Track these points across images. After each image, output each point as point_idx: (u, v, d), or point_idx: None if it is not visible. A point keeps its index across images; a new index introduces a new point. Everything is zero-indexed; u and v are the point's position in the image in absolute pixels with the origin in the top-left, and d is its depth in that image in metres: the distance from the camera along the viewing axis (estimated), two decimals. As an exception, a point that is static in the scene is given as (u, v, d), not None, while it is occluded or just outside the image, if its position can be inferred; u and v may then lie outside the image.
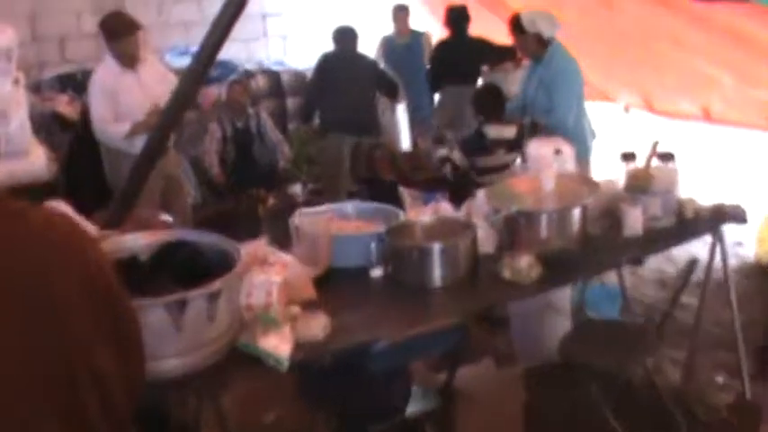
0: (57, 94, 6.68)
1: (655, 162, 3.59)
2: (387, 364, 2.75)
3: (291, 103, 7.86)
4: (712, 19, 5.08)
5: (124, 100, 4.92)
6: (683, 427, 3.43)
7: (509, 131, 4.78)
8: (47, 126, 6.07)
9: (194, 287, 2.23)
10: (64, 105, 6.41)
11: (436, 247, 2.97)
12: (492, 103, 4.96)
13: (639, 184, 3.49)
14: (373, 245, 3.04)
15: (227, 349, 2.39)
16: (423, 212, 3.37)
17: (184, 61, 6.59)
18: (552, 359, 3.64)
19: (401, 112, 7.92)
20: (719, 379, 3.80)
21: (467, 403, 3.47)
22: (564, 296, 3.93)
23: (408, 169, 5.28)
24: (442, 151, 5.16)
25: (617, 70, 6.71)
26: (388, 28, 7.72)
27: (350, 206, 3.52)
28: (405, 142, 7.92)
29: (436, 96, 7.33)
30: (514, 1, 6.18)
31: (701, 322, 3.91)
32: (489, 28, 6.85)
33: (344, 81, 6.35)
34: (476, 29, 6.92)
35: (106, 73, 4.98)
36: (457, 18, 6.85)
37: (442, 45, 7.05)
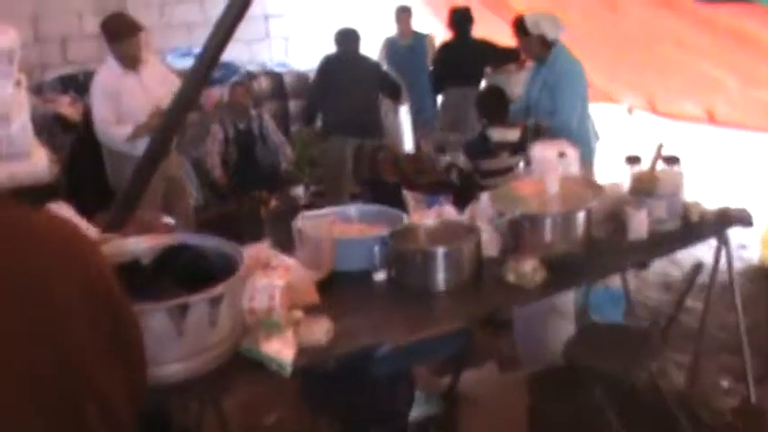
0: (58, 96, 6.67)
1: (660, 165, 3.57)
2: (390, 369, 2.74)
3: (294, 104, 7.86)
4: (716, 21, 5.06)
5: (126, 101, 4.91)
6: (687, 430, 3.41)
7: (513, 134, 4.77)
8: (48, 127, 6.05)
9: (197, 291, 2.22)
10: (66, 107, 6.40)
11: (440, 251, 2.95)
12: (495, 106, 4.95)
13: (644, 188, 3.47)
14: (377, 248, 3.02)
15: (230, 354, 2.37)
16: (426, 216, 3.36)
17: (187, 62, 6.59)
18: (556, 363, 3.63)
19: (404, 114, 7.90)
20: (724, 383, 3.79)
21: (470, 407, 3.45)
22: (568, 300, 3.91)
23: (411, 171, 5.26)
24: (446, 158, 5.15)
25: (621, 72, 6.69)
26: (391, 29, 7.71)
27: (353, 209, 3.51)
28: (408, 144, 7.91)
29: (439, 98, 7.31)
30: (518, 3, 6.17)
31: (705, 326, 3.89)
32: (493, 30, 6.83)
33: (347, 83, 6.34)
34: (479, 30, 6.91)
35: (108, 74, 4.97)
36: (460, 20, 6.84)
37: (446, 47, 7.04)
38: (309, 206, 5.94)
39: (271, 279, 2.55)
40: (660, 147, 3.58)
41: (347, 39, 6.49)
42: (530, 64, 5.59)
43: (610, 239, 3.35)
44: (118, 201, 3.56)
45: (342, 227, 3.26)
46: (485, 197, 3.42)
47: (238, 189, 6.24)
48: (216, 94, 6.94)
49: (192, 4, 8.05)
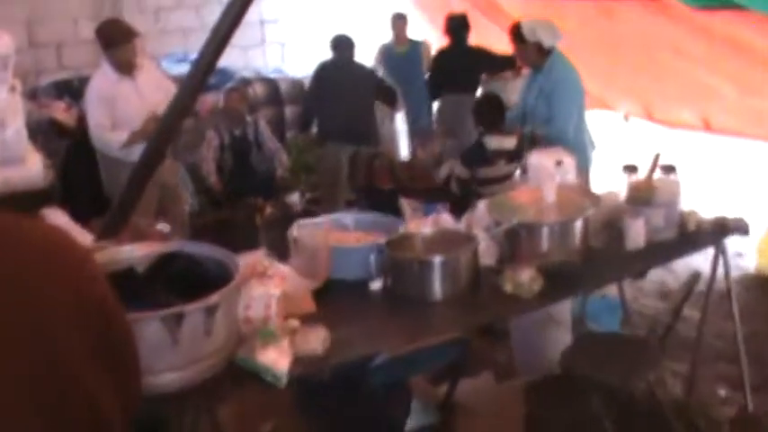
0: (53, 101, 6.63)
1: (657, 174, 3.56)
2: (386, 378, 2.71)
3: (289, 111, 7.84)
4: (712, 29, 5.07)
5: (121, 107, 4.89)
6: (684, 440, 3.41)
7: (509, 142, 4.76)
8: (43, 133, 6.02)
9: (192, 300, 2.20)
10: (60, 112, 6.36)
11: (437, 260, 2.94)
12: (492, 114, 4.94)
13: (642, 196, 3.46)
14: (373, 257, 3.00)
15: (225, 363, 2.36)
16: (423, 224, 3.34)
17: (182, 68, 6.58)
18: (553, 372, 3.61)
19: (400, 121, 7.90)
20: (722, 391, 3.78)
21: (467, 417, 3.42)
22: (565, 308, 3.89)
23: (407, 178, 5.25)
24: (444, 169, 5.13)
25: (617, 79, 6.70)
26: (387, 36, 7.70)
27: (349, 217, 3.49)
28: (403, 151, 7.91)
29: (435, 105, 7.30)
30: (514, 10, 6.18)
31: (702, 335, 3.88)
32: (489, 37, 6.83)
33: (342, 90, 6.34)
34: (475, 38, 6.90)
35: (103, 80, 4.96)
36: (457, 27, 6.83)
37: (442, 54, 7.03)
38: (305, 212, 5.94)
39: (267, 288, 2.54)
40: (657, 156, 3.58)
41: (342, 45, 6.48)
42: (526, 71, 5.59)
43: (607, 248, 3.34)
44: (113, 208, 3.55)
45: (338, 235, 3.24)
46: (481, 206, 3.41)
47: (233, 195, 6.21)
48: (211, 100, 6.91)
49: (187, 9, 8.03)
